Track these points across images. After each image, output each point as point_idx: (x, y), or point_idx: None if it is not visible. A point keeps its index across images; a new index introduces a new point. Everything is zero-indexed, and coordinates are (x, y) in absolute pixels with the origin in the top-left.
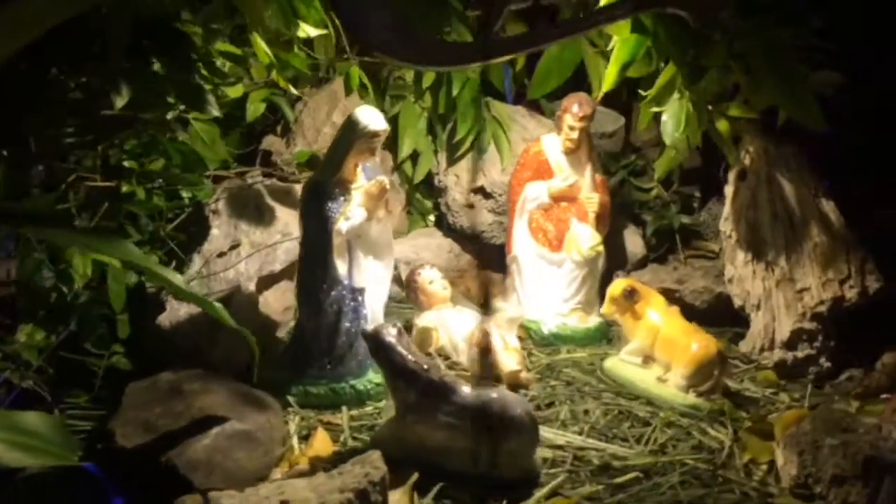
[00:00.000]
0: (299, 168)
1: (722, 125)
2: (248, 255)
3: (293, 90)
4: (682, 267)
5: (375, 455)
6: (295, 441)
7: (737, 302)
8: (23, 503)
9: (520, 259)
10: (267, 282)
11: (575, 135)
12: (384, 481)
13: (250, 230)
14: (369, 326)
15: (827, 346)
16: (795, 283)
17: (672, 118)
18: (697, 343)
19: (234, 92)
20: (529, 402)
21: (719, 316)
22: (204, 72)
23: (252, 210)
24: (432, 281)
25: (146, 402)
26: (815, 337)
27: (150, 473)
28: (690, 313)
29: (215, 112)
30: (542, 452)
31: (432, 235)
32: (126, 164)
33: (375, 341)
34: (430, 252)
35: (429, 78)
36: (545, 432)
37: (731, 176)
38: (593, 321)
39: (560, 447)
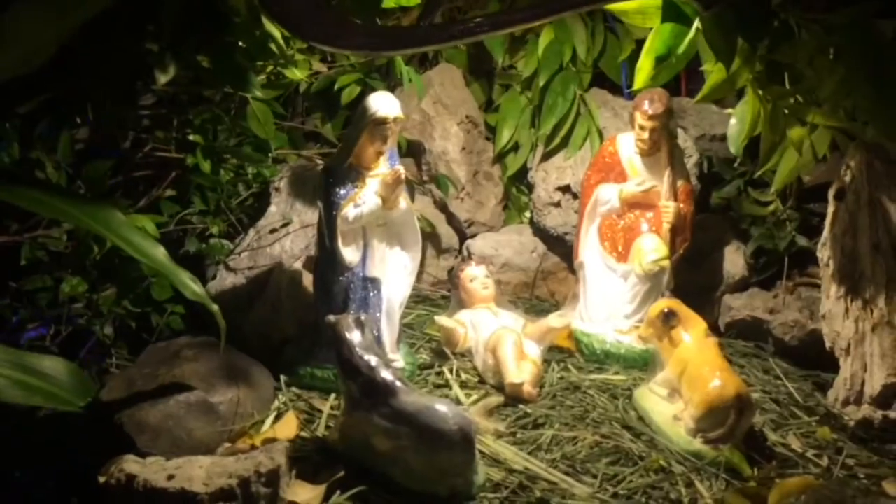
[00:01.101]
0: None
1: (796, 133)
2: (293, 232)
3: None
4: (783, 296)
5: (280, 446)
6: (268, 421)
7: (826, 342)
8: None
9: (586, 266)
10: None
11: (646, 135)
12: (274, 474)
13: (304, 210)
14: (384, 317)
15: None
16: (894, 330)
17: (740, 121)
18: (714, 383)
19: (295, 74)
20: (521, 418)
21: (811, 356)
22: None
23: (309, 190)
24: (474, 279)
25: (148, 363)
26: None
27: (105, 429)
28: (778, 349)
29: (257, 92)
30: (492, 473)
31: (521, 233)
32: (192, 138)
33: (332, 330)
34: (511, 249)
35: (530, 67)
36: (510, 454)
37: (831, 194)
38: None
39: (513, 472)
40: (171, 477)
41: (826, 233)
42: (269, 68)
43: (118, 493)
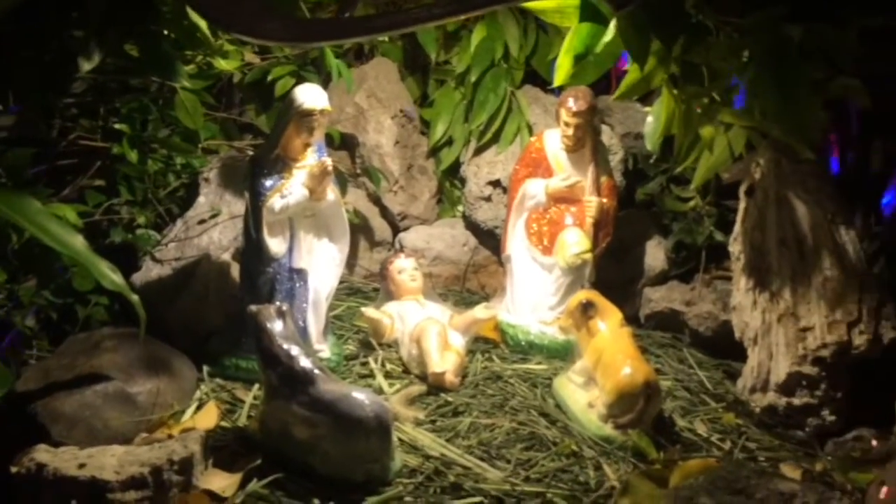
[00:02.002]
0: None
1: (707, 132)
2: (222, 223)
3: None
4: (700, 288)
5: (195, 435)
6: (190, 411)
7: (736, 333)
8: None
9: (513, 259)
10: None
11: (570, 131)
12: (187, 462)
13: (233, 201)
14: (310, 308)
15: (832, 396)
16: (798, 321)
17: (656, 119)
18: (625, 371)
19: (228, 64)
20: (441, 406)
21: (723, 346)
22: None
23: (240, 181)
24: (402, 271)
25: (67, 353)
26: (816, 384)
27: (19, 420)
28: (694, 339)
29: (185, 82)
30: (409, 459)
31: (454, 227)
32: (118, 127)
33: (253, 320)
34: (443, 243)
35: (463, 62)
36: (429, 441)
37: (741, 191)
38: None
39: (430, 458)
40: (81, 466)
41: (737, 228)
42: (199, 58)
43: (28, 483)
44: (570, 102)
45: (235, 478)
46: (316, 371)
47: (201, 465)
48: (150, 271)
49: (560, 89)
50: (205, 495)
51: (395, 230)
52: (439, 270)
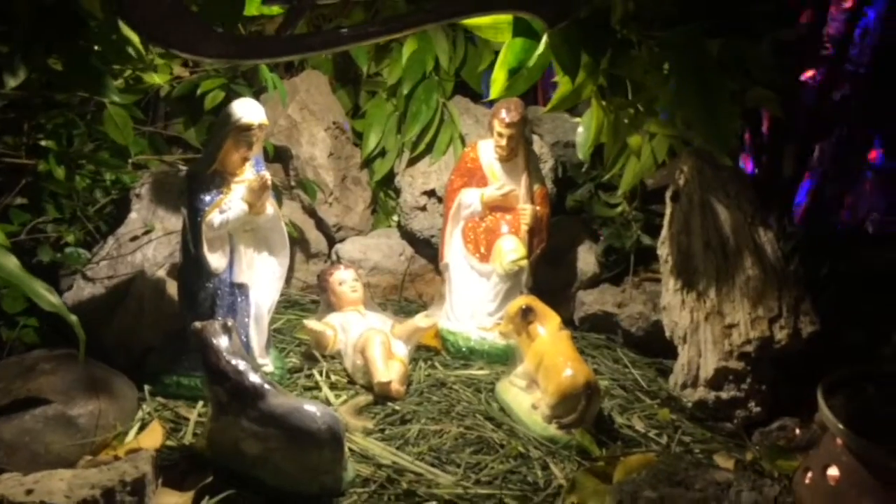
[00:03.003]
0: None
1: (634, 140)
2: (156, 239)
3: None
4: (630, 290)
5: (145, 455)
6: (132, 432)
7: (667, 332)
8: None
9: (451, 267)
10: None
11: (504, 141)
12: (140, 482)
13: (167, 216)
14: (252, 322)
15: (757, 389)
16: (724, 318)
17: (586, 129)
18: (567, 372)
19: (159, 78)
20: (389, 415)
21: (655, 345)
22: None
23: (173, 197)
24: (342, 282)
25: (1, 378)
26: (742, 378)
27: None
28: (626, 340)
29: (115, 97)
30: (361, 469)
31: (390, 237)
32: (44, 143)
33: (198, 336)
34: (379, 253)
35: (395, 74)
36: (379, 449)
37: (667, 196)
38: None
39: (382, 467)
40: (29, 491)
41: (664, 232)
42: (128, 73)
43: None
44: (503, 114)
45: (187, 496)
46: (265, 385)
47: (152, 486)
48: (83, 290)
49: (491, 102)
50: None
51: (331, 241)
52: (377, 280)
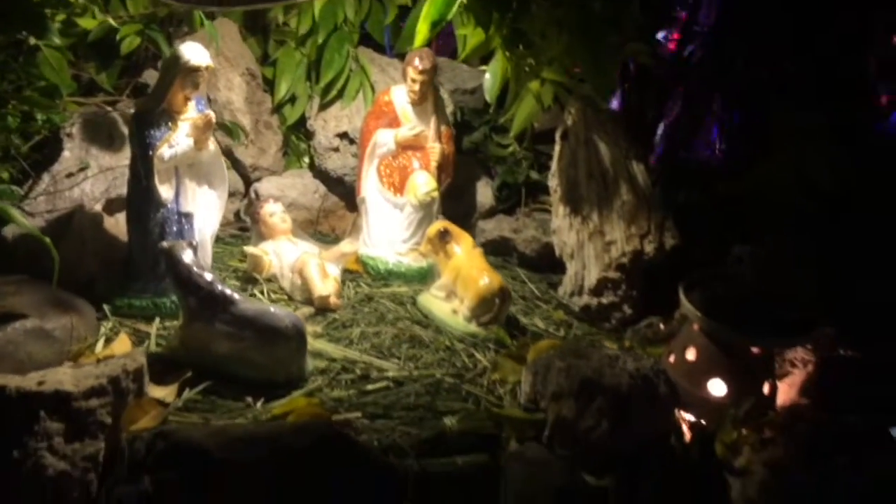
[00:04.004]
0: None
1: (534, 86)
2: (92, 176)
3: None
4: (522, 219)
5: (138, 352)
6: (100, 344)
7: (557, 251)
8: None
9: (368, 201)
10: (117, 205)
11: (417, 87)
12: (138, 372)
13: (100, 154)
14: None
15: (629, 294)
16: (604, 237)
17: (493, 76)
18: (483, 280)
19: (87, 23)
20: (331, 323)
21: (545, 263)
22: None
23: (105, 136)
24: (273, 214)
25: None
26: (618, 286)
27: None
28: (522, 260)
29: (56, 39)
30: (317, 363)
31: (303, 176)
32: None
33: (167, 255)
34: (296, 191)
35: (305, 25)
36: (330, 348)
37: (557, 135)
38: (427, 261)
39: (335, 360)
40: (41, 383)
41: (554, 166)
42: (60, 17)
43: None
44: (417, 62)
45: (173, 388)
46: (234, 293)
47: (147, 376)
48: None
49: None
50: (154, 401)
51: (247, 181)
52: (294, 215)
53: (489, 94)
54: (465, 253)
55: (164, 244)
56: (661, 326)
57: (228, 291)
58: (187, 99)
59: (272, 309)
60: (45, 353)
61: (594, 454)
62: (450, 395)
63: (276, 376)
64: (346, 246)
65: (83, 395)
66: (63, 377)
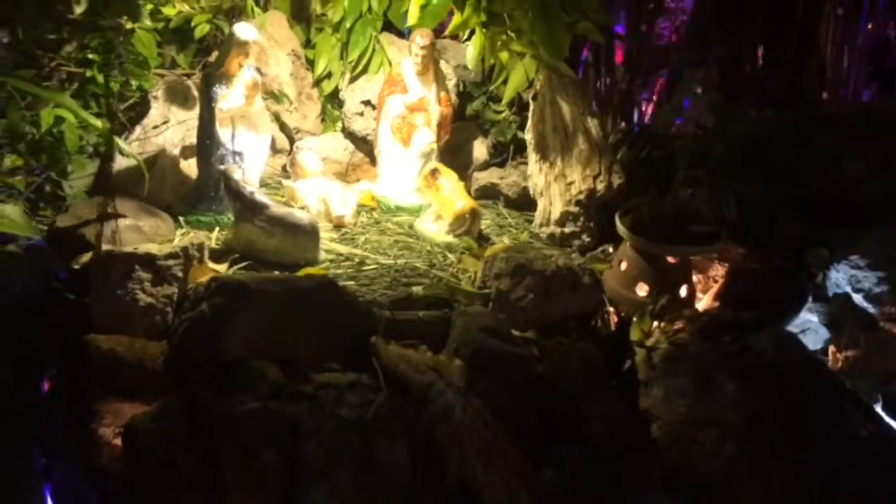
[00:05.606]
0: None
1: (503, 56)
2: (171, 128)
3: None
4: (510, 169)
5: (202, 234)
6: (178, 239)
7: (531, 192)
8: None
9: (382, 152)
10: (189, 151)
11: (419, 60)
12: (202, 245)
13: (178, 112)
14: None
15: (588, 226)
16: (566, 178)
17: (473, 48)
18: (459, 203)
19: (169, 11)
20: (344, 235)
21: (524, 203)
22: None
23: (181, 99)
24: (306, 160)
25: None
26: (577, 218)
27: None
28: (507, 202)
29: (147, 22)
30: (328, 256)
31: (336, 138)
32: (91, 56)
33: (224, 174)
34: (330, 148)
35: (338, 15)
36: (340, 248)
37: (529, 97)
38: (425, 200)
39: (341, 254)
40: (135, 248)
41: (529, 123)
42: (149, 6)
43: (105, 261)
44: (419, 39)
45: (225, 265)
46: (268, 200)
47: (206, 252)
48: (121, 162)
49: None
50: (211, 269)
51: (291, 141)
52: (327, 168)
53: (471, 63)
54: (451, 186)
55: (222, 167)
56: (610, 250)
57: (265, 199)
58: (240, 65)
59: (295, 212)
60: (139, 242)
61: (521, 318)
62: (422, 276)
63: (297, 260)
64: (363, 185)
65: (164, 257)
66: (151, 248)
